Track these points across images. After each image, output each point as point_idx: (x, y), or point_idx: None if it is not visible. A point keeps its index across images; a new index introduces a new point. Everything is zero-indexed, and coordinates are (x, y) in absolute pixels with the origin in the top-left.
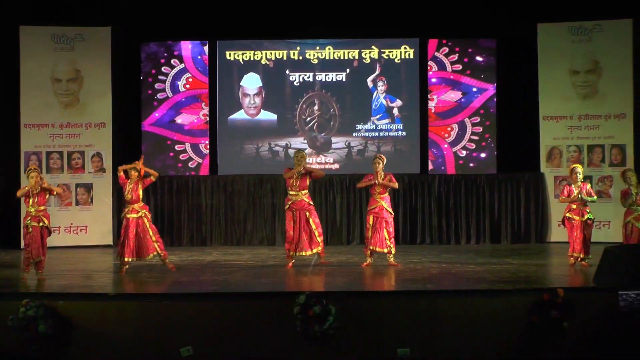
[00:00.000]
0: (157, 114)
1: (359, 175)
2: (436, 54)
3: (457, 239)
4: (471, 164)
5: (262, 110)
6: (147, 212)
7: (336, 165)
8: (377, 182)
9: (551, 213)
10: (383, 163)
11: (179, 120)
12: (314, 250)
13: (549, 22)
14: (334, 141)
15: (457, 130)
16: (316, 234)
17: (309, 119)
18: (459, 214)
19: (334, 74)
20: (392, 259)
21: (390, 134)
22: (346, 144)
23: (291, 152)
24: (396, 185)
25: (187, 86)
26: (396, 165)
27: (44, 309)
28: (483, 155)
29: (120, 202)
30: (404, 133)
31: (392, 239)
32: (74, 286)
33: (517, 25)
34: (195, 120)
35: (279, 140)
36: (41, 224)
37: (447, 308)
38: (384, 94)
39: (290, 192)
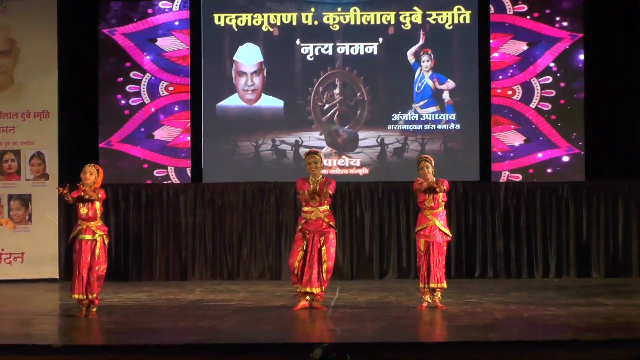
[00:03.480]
0: (130, 127)
1: (395, 184)
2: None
3: (531, 271)
4: (549, 169)
5: (262, 94)
6: (104, 236)
7: (364, 170)
8: (429, 189)
9: None
10: (432, 166)
11: (159, 136)
12: (320, 290)
13: None
14: (362, 137)
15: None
16: (324, 268)
17: (327, 106)
18: (534, 237)
19: (362, 45)
20: (438, 298)
21: (439, 126)
22: (378, 140)
23: (303, 152)
24: (444, 187)
25: (171, 89)
26: (447, 170)
27: None
28: (566, 159)
29: (69, 219)
30: (458, 125)
31: (443, 271)
32: (5, 335)
33: None
34: (182, 136)
35: (287, 135)
36: None
37: None
38: (430, 73)
39: (305, 209)
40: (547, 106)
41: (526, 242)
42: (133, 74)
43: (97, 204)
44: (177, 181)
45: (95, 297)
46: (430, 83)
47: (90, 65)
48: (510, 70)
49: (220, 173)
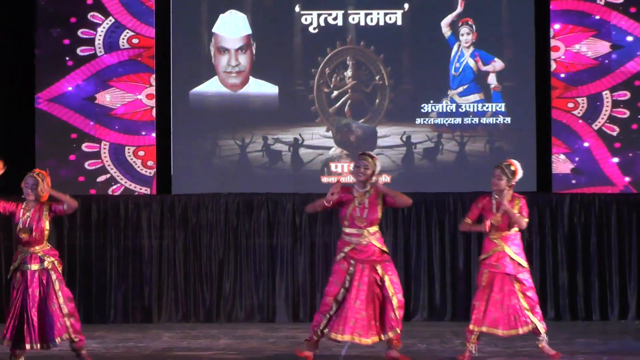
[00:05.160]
0: (68, 84)
1: (425, 196)
2: None
3: (604, 311)
4: (627, 177)
5: (250, 78)
6: (56, 262)
7: (385, 178)
8: (498, 209)
9: None
10: (513, 178)
11: (104, 98)
12: (383, 337)
13: None
14: (381, 133)
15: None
16: (394, 303)
17: (335, 93)
18: (608, 267)
19: (381, 12)
20: (544, 342)
21: (483, 119)
22: (403, 138)
23: (305, 154)
24: (524, 223)
25: (136, 41)
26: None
27: None
28: None
29: (5, 243)
30: (508, 119)
31: (537, 308)
32: None
33: None
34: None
35: (283, 132)
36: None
37: None
38: (472, 50)
39: (348, 230)
40: (613, 130)
41: (598, 273)
42: (81, 50)
43: (46, 221)
44: (131, 185)
45: (79, 339)
46: (472, 63)
47: (27, 23)
48: (579, 76)
49: (194, 182)
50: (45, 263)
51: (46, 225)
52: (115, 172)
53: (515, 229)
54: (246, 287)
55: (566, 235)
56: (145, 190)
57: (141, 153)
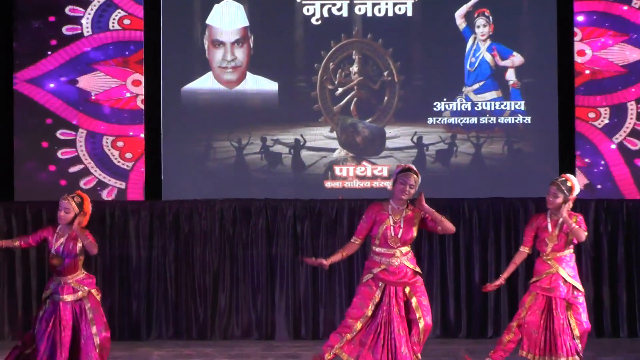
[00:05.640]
0: (49, 65)
1: (438, 202)
2: None
3: (633, 327)
4: None
5: (248, 74)
6: (93, 291)
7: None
8: (559, 224)
9: None
10: (571, 193)
11: (87, 83)
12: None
13: None
14: (390, 134)
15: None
16: (421, 325)
17: (340, 90)
18: (637, 279)
19: (390, 2)
20: None
21: (501, 119)
22: (414, 140)
23: (307, 157)
24: (583, 236)
25: (127, 22)
26: (512, 181)
27: None
28: None
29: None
30: (528, 118)
31: (584, 338)
32: None
33: None
34: (124, 99)
35: (283, 132)
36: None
37: None
38: (489, 43)
39: (378, 250)
40: (635, 144)
41: (626, 286)
42: (66, 29)
43: (80, 249)
44: (105, 178)
45: None
46: (489, 58)
47: None
48: (603, 83)
49: (187, 187)
50: (80, 293)
51: (80, 252)
52: (89, 163)
53: (571, 250)
54: (243, 301)
55: (591, 244)
56: (120, 184)
57: (120, 144)
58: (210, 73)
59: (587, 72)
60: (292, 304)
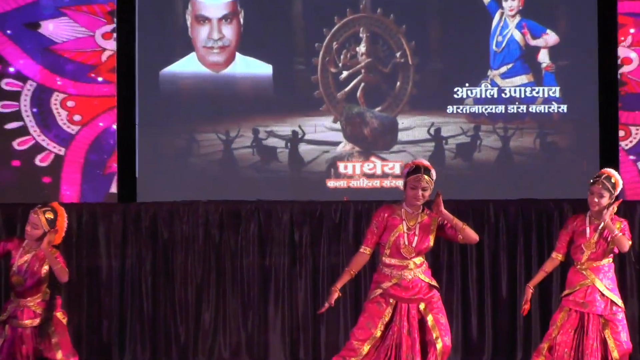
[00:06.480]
0: (5, 5)
1: (459, 204)
2: None
3: None
4: None
5: (237, 55)
6: (59, 315)
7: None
8: (600, 230)
9: None
10: (615, 190)
11: (49, 28)
12: None
13: None
14: (404, 125)
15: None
16: (439, 347)
17: (345, 74)
18: None
19: None
20: None
21: (533, 107)
22: (431, 131)
23: (307, 151)
24: (627, 245)
25: None
26: (545, 179)
27: None
28: None
29: None
30: (564, 107)
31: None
32: None
33: None
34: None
35: (278, 123)
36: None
37: None
38: (518, 19)
39: (388, 261)
40: None
41: None
42: None
43: (45, 270)
44: (44, 141)
45: None
46: (518, 36)
47: None
48: None
49: (166, 186)
50: (42, 318)
51: (44, 273)
52: (30, 120)
53: (610, 259)
54: (231, 318)
55: (637, 254)
56: (58, 150)
57: (70, 104)
58: (193, 54)
59: (627, 87)
60: (288, 323)
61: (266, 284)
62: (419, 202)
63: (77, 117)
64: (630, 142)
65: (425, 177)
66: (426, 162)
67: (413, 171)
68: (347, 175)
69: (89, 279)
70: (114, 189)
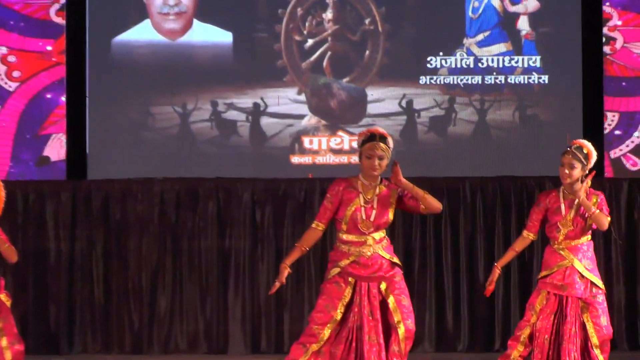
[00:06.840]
0: None
1: (433, 181)
2: None
3: None
4: None
5: (195, 21)
6: (4, 298)
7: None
8: (576, 206)
9: None
10: (588, 161)
11: None
12: None
13: None
14: (372, 97)
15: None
16: (401, 332)
17: (310, 42)
18: None
19: None
20: None
21: (511, 78)
22: (402, 104)
23: (269, 125)
24: (605, 222)
25: None
26: (526, 155)
27: None
28: None
29: None
30: (545, 78)
31: (608, 344)
32: None
33: None
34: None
35: (238, 95)
36: None
37: None
38: None
39: (346, 237)
40: (635, 164)
41: None
42: None
43: None
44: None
45: None
46: (496, 2)
47: None
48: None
49: (118, 163)
50: None
51: None
52: None
53: (588, 237)
54: (189, 305)
55: (623, 235)
56: None
57: (12, 59)
58: (147, 21)
59: (609, 70)
60: (249, 310)
61: (226, 268)
62: (376, 172)
63: (16, 73)
64: (606, 127)
65: (381, 144)
66: (382, 130)
67: (368, 139)
68: (312, 150)
69: (35, 263)
70: (47, 152)
